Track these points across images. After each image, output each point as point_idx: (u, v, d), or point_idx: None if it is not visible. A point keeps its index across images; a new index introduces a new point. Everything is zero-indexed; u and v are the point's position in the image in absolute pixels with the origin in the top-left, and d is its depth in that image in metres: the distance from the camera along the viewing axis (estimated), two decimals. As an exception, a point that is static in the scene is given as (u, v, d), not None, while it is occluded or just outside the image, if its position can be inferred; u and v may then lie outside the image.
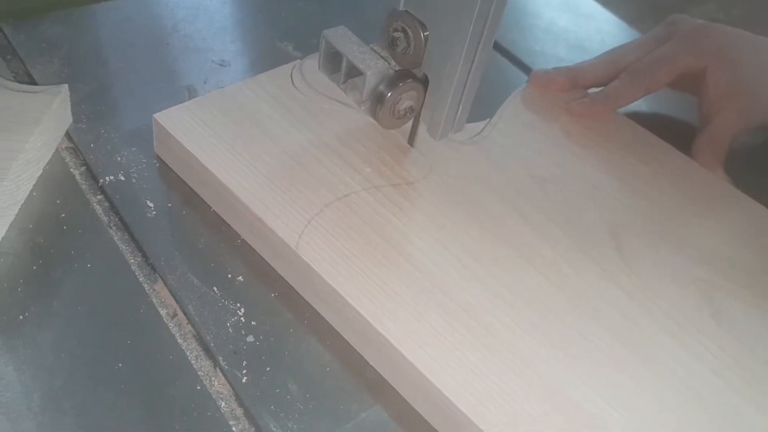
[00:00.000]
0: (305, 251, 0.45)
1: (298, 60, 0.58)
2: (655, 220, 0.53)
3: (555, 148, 0.58)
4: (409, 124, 0.53)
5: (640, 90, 0.61)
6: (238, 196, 0.48)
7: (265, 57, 0.64)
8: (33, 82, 0.58)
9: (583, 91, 0.63)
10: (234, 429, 0.41)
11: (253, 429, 0.41)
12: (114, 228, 0.50)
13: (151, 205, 0.51)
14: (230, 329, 0.45)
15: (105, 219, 0.50)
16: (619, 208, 0.53)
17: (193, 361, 0.43)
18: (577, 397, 0.41)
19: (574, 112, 0.60)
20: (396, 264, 0.46)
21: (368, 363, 0.45)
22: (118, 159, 0.53)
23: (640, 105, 0.64)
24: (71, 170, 0.52)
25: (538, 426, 0.40)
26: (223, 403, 0.42)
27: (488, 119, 0.58)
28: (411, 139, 0.54)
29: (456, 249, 0.48)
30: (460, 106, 0.49)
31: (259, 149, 0.51)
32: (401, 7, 0.47)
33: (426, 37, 0.47)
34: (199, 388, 0.42)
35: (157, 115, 0.51)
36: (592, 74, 0.63)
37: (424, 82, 0.49)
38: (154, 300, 0.46)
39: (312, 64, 0.57)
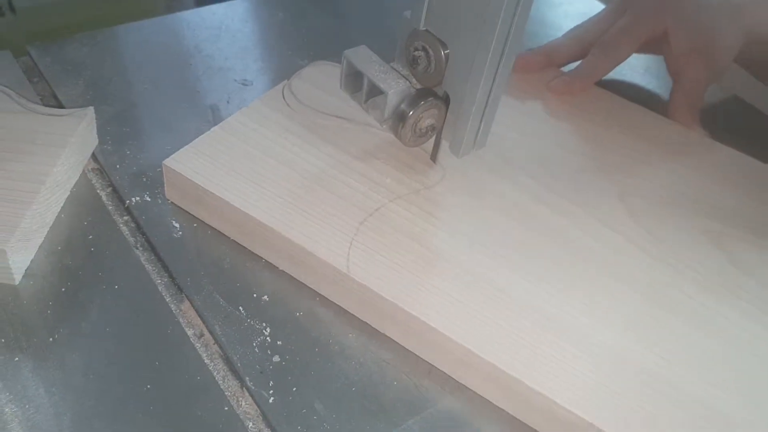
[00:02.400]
0: (357, 273, 0.46)
1: (286, 80, 0.58)
2: (655, 182, 0.57)
3: (547, 128, 0.61)
4: (431, 141, 0.53)
5: (612, 62, 0.65)
6: (275, 228, 0.47)
7: (286, 75, 0.64)
8: (59, 104, 0.59)
9: (558, 70, 0.66)
10: (261, 449, 0.41)
11: (281, 449, 0.41)
12: (140, 249, 0.50)
13: (176, 225, 0.51)
14: (256, 349, 0.45)
15: (131, 240, 0.50)
16: (622, 176, 0.57)
17: (220, 382, 0.44)
18: (636, 357, 0.44)
19: (555, 90, 0.63)
20: (439, 265, 0.47)
21: (394, 383, 0.45)
22: (144, 180, 0.54)
23: (610, 75, 0.67)
24: (98, 192, 0.53)
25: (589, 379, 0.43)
26: (251, 423, 0.42)
27: None
28: (434, 156, 0.54)
29: (486, 239, 0.50)
30: (482, 123, 0.49)
31: (279, 178, 0.51)
32: (421, 27, 0.48)
33: (447, 56, 0.48)
34: (226, 408, 0.42)
35: (167, 161, 0.50)
36: (564, 52, 0.67)
37: (446, 100, 0.49)
38: (181, 320, 0.46)
39: (299, 82, 0.58)
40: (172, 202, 0.53)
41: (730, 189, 0.57)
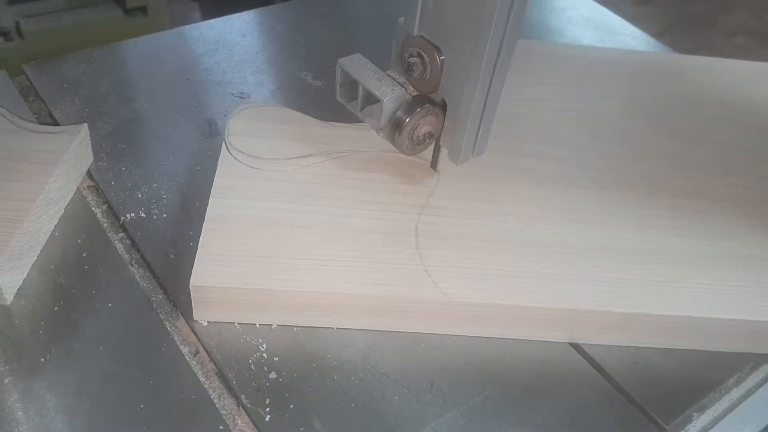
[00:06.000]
0: (455, 294, 0.46)
1: (223, 143, 0.53)
2: (612, 106, 0.65)
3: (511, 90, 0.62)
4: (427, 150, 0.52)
5: None
6: (350, 293, 0.45)
7: (284, 87, 0.64)
8: (55, 123, 0.58)
9: None
10: (258, 469, 0.40)
11: (278, 469, 0.40)
12: (135, 265, 0.49)
13: (172, 241, 0.50)
14: (253, 366, 0.44)
15: (127, 257, 0.50)
16: (589, 115, 0.63)
17: (215, 400, 0.43)
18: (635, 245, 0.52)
19: None
20: (514, 251, 0.50)
21: (395, 398, 0.43)
22: (139, 196, 0.53)
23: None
24: (93, 209, 0.52)
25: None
26: (247, 442, 0.41)
27: None
28: (434, 164, 0.53)
29: (519, 210, 0.53)
30: (480, 129, 0.48)
31: (309, 242, 0.48)
32: (415, 32, 0.47)
33: (442, 62, 0.46)
34: (221, 427, 0.41)
35: (195, 281, 0.44)
36: None
37: (443, 106, 0.48)
38: (176, 338, 0.45)
39: (237, 139, 0.53)
40: (173, 211, 0.51)
41: (672, 84, 0.68)
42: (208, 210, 0.48)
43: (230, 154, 0.52)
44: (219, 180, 0.51)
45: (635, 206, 0.55)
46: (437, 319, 0.47)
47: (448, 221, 0.50)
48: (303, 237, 0.48)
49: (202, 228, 0.47)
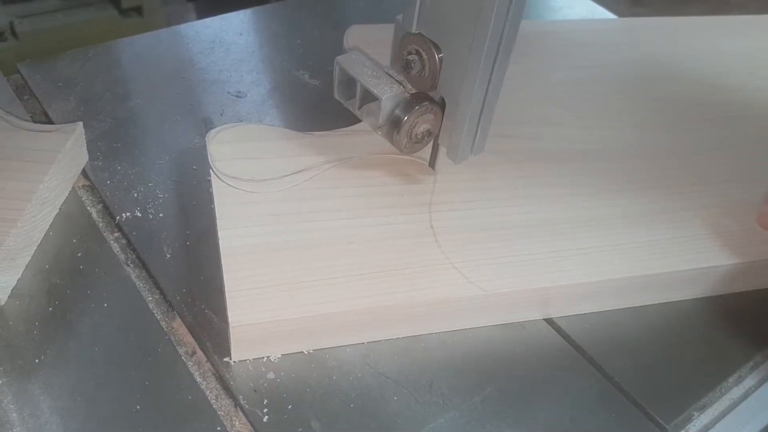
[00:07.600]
0: (488, 285, 0.46)
1: (211, 172, 0.50)
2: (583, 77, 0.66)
3: None
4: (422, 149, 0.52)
5: None
6: (387, 304, 0.44)
7: (281, 86, 0.64)
8: (49, 122, 0.57)
9: None
10: (255, 471, 0.40)
11: (276, 470, 0.40)
12: (131, 265, 0.49)
13: (168, 240, 0.50)
14: (250, 366, 0.43)
15: (122, 256, 0.49)
16: (546, 89, 0.64)
17: (212, 401, 0.42)
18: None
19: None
20: (512, 232, 0.50)
21: (394, 398, 0.43)
22: (135, 195, 0.52)
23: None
24: (88, 208, 0.52)
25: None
26: (244, 443, 0.41)
27: None
28: (432, 163, 0.52)
29: (517, 190, 0.53)
30: (479, 127, 0.48)
31: (334, 261, 0.46)
32: (414, 30, 0.46)
33: (440, 59, 0.46)
34: (219, 428, 0.41)
35: (235, 321, 0.42)
36: None
37: (441, 104, 0.48)
38: (172, 338, 0.45)
39: (224, 164, 0.50)
40: (170, 210, 0.51)
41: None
42: (220, 245, 0.46)
43: (223, 182, 0.50)
44: (220, 210, 0.48)
45: (625, 171, 0.56)
46: (468, 314, 0.47)
47: (459, 214, 0.50)
48: (324, 255, 0.46)
49: (221, 264, 0.45)
